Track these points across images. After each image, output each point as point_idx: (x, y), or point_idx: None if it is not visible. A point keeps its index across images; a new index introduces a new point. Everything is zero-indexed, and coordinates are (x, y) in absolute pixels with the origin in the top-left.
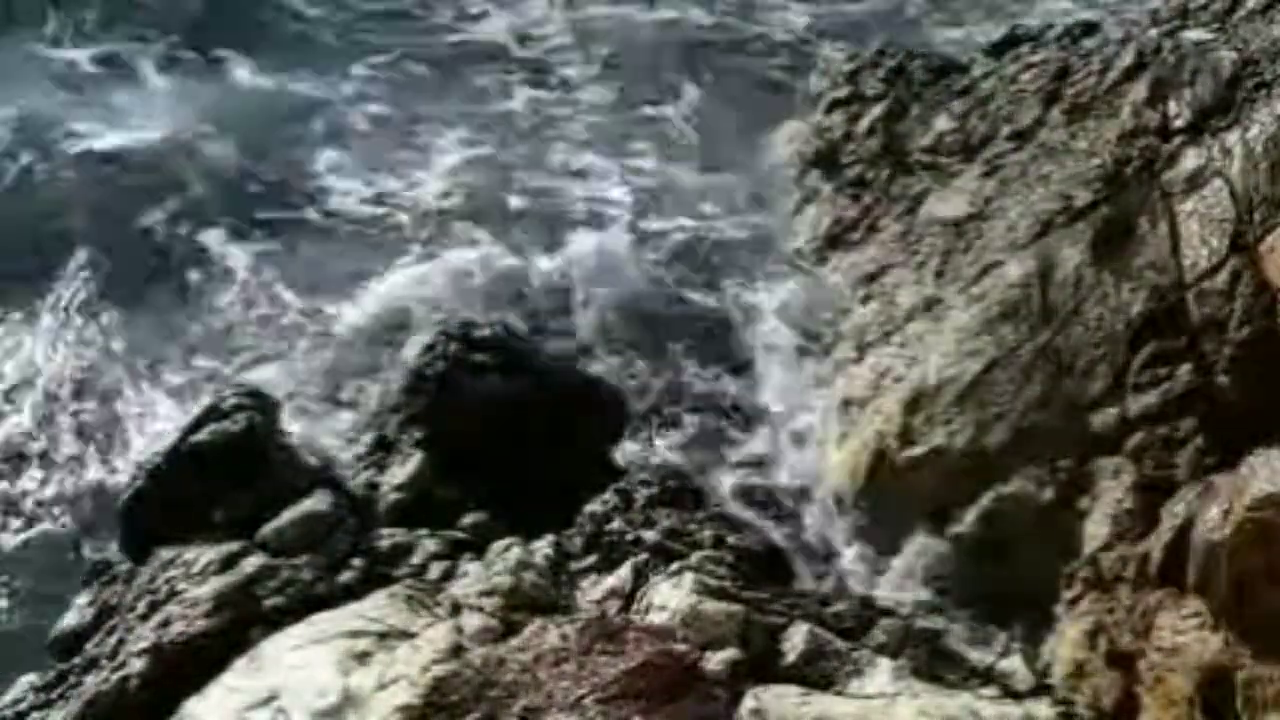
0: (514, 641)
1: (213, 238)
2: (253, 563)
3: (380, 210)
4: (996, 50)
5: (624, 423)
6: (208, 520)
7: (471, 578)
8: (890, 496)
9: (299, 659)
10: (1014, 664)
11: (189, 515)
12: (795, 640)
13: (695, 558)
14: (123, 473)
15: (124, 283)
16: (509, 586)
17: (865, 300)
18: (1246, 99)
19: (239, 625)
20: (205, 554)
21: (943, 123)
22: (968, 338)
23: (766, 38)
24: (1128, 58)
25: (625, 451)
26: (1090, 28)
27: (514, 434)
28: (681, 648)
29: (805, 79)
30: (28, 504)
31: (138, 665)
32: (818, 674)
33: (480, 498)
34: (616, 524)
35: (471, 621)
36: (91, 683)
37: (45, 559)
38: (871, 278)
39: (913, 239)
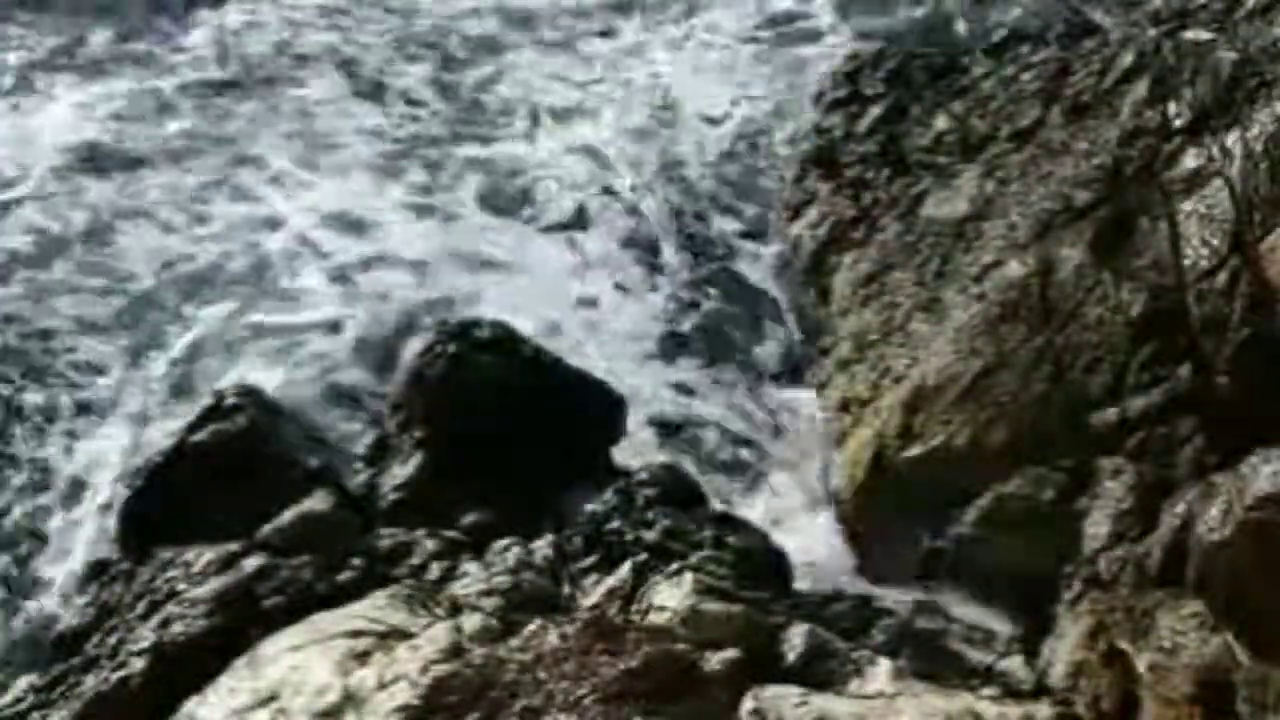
0: (514, 641)
1: None
2: (253, 563)
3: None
4: (996, 50)
5: (624, 422)
6: (208, 520)
7: (471, 578)
8: (890, 496)
9: (299, 659)
10: (1014, 664)
11: (189, 515)
12: (795, 640)
13: (695, 558)
14: (124, 471)
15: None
16: (509, 586)
17: (865, 300)
18: (1246, 99)
19: (239, 625)
20: (205, 554)
21: (943, 123)
22: (968, 338)
23: None
24: (1128, 58)
25: (625, 451)
26: (1090, 28)
27: (514, 434)
28: (681, 648)
29: None
30: (28, 501)
31: (138, 665)
32: (818, 674)
33: (480, 498)
34: (616, 524)
35: (471, 621)
36: (91, 683)
37: (46, 559)
38: (871, 278)
39: (913, 239)
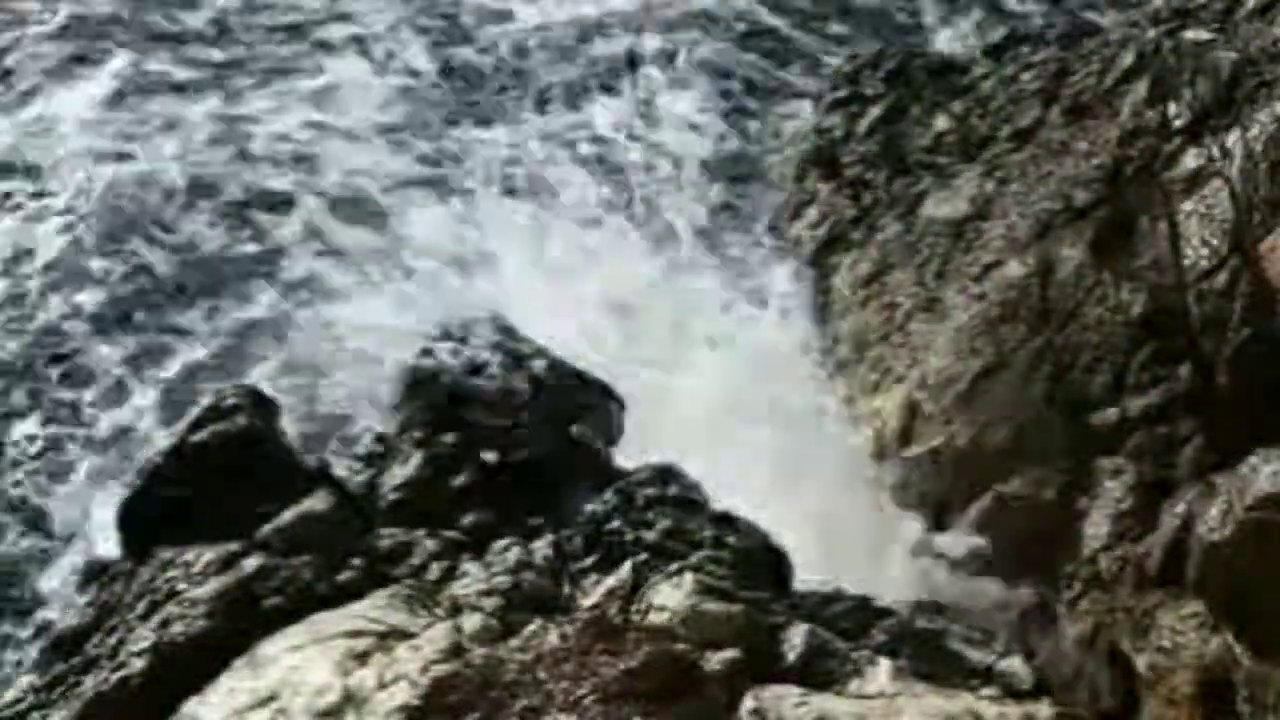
0: (514, 641)
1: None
2: (253, 563)
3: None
4: (996, 50)
5: (623, 422)
6: (208, 520)
7: (471, 578)
8: (890, 497)
9: (299, 659)
10: (1014, 664)
11: (189, 515)
12: (795, 640)
13: (695, 558)
14: (124, 470)
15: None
16: (509, 586)
17: (865, 301)
18: (1246, 99)
19: (239, 625)
20: (205, 554)
21: (943, 123)
22: (968, 338)
23: None
24: (1128, 58)
25: (625, 451)
26: (1090, 28)
27: (513, 433)
28: (681, 648)
29: None
30: (27, 502)
31: (138, 665)
32: (818, 674)
33: (480, 498)
34: (616, 524)
35: (471, 621)
36: (91, 683)
37: (45, 559)
38: (871, 278)
39: (913, 239)
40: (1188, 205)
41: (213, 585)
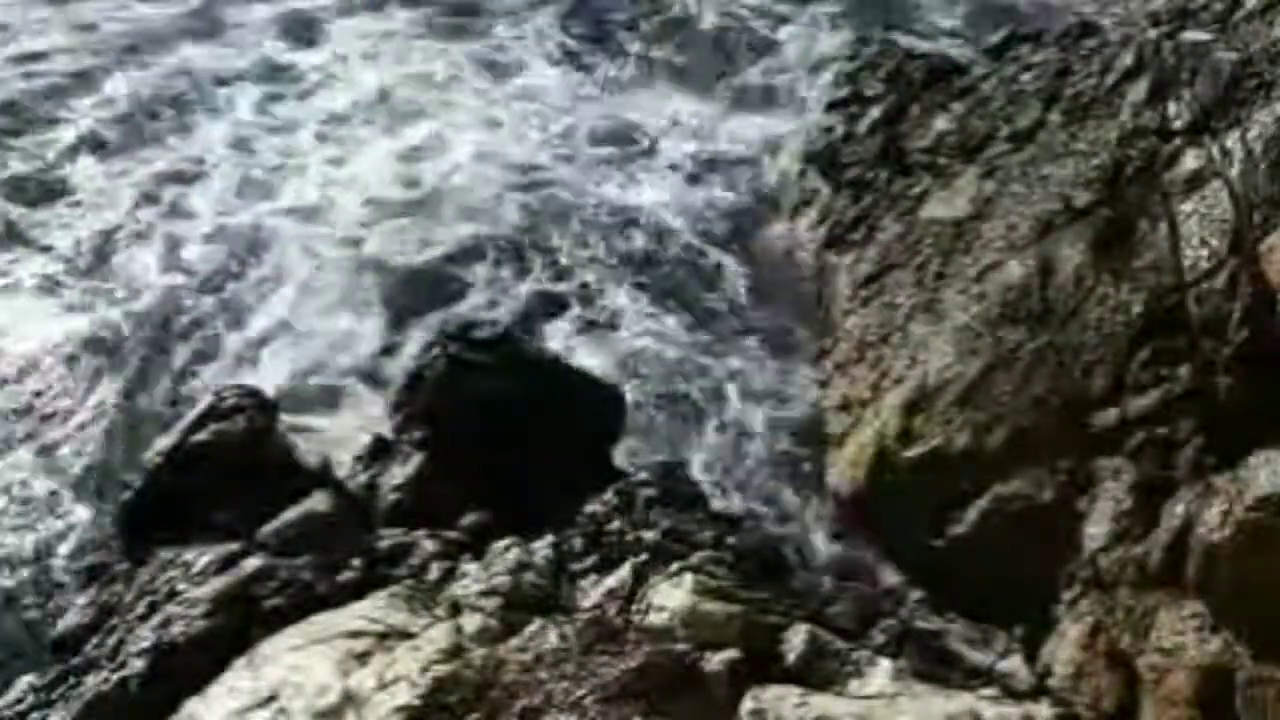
0: (514, 641)
1: None
2: (253, 563)
3: None
4: (996, 51)
5: (624, 422)
6: (208, 520)
7: (471, 578)
8: (890, 497)
9: (299, 659)
10: (1014, 664)
11: (189, 515)
12: (795, 640)
13: (695, 558)
14: (124, 471)
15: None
16: (509, 586)
17: (865, 301)
18: (1246, 99)
19: (239, 625)
20: (205, 554)
21: (942, 123)
22: (968, 338)
23: None
24: (1128, 59)
25: (625, 452)
26: (1090, 28)
27: (514, 433)
28: (681, 648)
29: None
30: (27, 502)
31: (138, 665)
32: (818, 674)
33: (480, 498)
34: (616, 524)
35: (471, 621)
36: (91, 683)
37: (45, 559)
38: (871, 278)
39: (913, 239)
40: (1188, 205)
41: (213, 585)
